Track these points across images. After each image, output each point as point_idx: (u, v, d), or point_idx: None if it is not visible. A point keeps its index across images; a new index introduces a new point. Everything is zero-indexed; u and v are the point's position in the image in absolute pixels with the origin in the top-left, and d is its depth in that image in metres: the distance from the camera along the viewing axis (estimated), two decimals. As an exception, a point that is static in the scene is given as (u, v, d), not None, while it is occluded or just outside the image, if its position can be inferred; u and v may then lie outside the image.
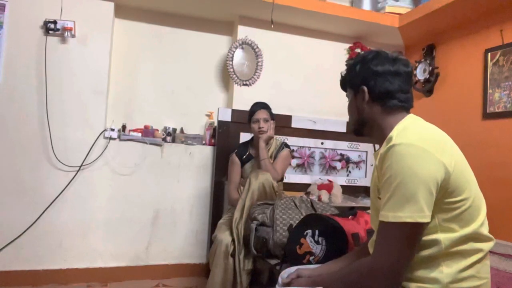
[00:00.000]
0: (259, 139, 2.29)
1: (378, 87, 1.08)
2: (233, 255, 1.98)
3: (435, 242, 0.95)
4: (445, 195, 0.94)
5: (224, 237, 2.02)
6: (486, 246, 1.00)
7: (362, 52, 1.17)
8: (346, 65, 1.21)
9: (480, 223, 0.99)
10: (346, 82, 1.20)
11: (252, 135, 2.48)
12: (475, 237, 0.97)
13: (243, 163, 2.40)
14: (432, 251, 0.96)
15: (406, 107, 1.10)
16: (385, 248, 0.95)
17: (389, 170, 0.94)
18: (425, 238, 0.96)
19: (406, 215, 0.90)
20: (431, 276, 0.96)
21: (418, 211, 0.90)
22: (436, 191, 0.92)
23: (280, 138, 2.55)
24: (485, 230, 1.00)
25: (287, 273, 1.30)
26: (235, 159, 2.41)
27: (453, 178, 0.93)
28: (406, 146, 0.94)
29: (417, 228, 0.92)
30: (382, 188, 0.98)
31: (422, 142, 0.94)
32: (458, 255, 0.96)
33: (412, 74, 1.13)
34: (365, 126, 1.15)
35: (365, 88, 1.10)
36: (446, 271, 0.95)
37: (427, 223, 0.93)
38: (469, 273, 0.96)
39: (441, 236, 0.95)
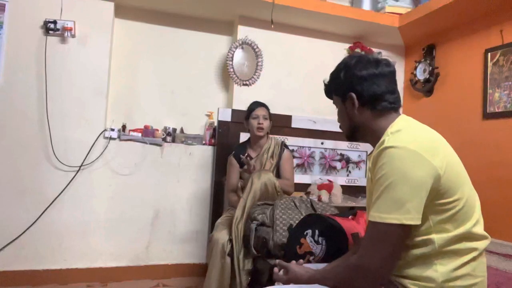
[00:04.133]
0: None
1: (365, 91, 1.08)
2: (230, 255, 1.96)
3: (429, 242, 0.96)
4: (437, 197, 0.95)
5: (220, 236, 2.01)
6: (481, 244, 1.00)
7: (342, 59, 1.18)
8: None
9: (474, 222, 0.99)
10: (331, 90, 1.21)
11: (249, 136, 2.47)
12: (468, 236, 0.98)
13: (241, 164, 2.39)
14: (425, 250, 0.97)
15: (395, 108, 1.10)
16: (370, 248, 0.95)
17: (380, 171, 0.95)
18: (419, 238, 0.97)
19: (393, 217, 0.91)
20: (426, 275, 0.97)
21: (405, 213, 0.91)
22: (426, 194, 0.92)
23: (279, 138, 2.54)
24: (479, 229, 1.01)
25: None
26: (233, 161, 2.40)
27: (444, 180, 0.94)
28: (398, 149, 0.94)
29: (403, 230, 0.92)
30: (373, 189, 0.99)
31: (413, 144, 0.95)
32: (452, 253, 0.97)
33: (395, 73, 1.13)
34: (358, 132, 1.15)
35: (353, 95, 1.10)
36: (440, 269, 0.96)
37: (415, 226, 0.93)
38: (464, 271, 0.97)
39: (434, 236, 0.96)
